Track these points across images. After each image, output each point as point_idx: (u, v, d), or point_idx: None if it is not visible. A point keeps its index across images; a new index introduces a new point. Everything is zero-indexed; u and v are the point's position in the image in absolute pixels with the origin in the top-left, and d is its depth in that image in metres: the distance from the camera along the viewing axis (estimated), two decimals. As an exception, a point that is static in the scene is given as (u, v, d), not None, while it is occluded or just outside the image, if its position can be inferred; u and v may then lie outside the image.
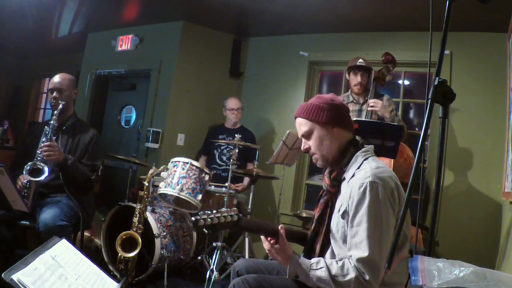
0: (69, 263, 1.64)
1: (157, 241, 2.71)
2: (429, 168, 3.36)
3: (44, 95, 6.37)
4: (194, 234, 3.08)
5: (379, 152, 2.23)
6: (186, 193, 2.79)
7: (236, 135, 3.10)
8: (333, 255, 1.50)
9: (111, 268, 2.82)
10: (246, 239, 3.09)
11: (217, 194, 3.17)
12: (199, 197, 2.83)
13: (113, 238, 2.64)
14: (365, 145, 1.55)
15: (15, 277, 1.35)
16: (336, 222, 1.48)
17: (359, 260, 1.31)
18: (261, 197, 3.94)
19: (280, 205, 3.43)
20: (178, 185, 2.79)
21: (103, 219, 3.07)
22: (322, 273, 1.36)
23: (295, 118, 1.60)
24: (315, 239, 1.57)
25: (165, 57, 4.15)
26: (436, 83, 1.08)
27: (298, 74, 4.03)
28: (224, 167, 3.72)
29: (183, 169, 2.85)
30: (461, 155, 3.23)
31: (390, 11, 3.20)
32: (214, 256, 2.90)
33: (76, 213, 2.47)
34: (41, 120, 6.27)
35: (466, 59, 3.27)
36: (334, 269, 1.35)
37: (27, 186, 2.34)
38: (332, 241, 1.52)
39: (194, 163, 2.89)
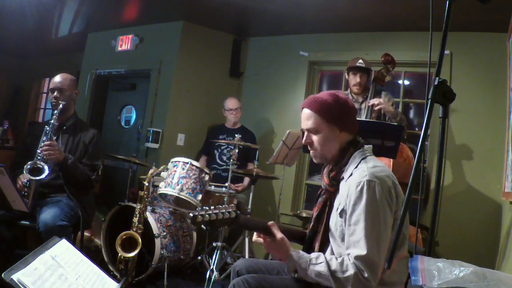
0: (69, 263, 1.64)
1: (157, 241, 2.71)
2: (429, 168, 3.36)
3: (44, 95, 6.37)
4: (194, 234, 3.08)
5: (379, 152, 2.23)
6: (186, 193, 2.79)
7: (236, 135, 3.10)
8: (332, 253, 1.50)
9: (111, 268, 2.82)
10: (246, 239, 3.09)
11: (217, 194, 3.17)
12: (199, 197, 2.83)
13: (113, 238, 2.64)
14: (365, 145, 1.55)
15: (15, 277, 1.36)
16: (334, 221, 1.49)
17: (357, 258, 1.32)
18: (261, 197, 3.94)
19: (280, 205, 3.43)
20: (178, 185, 2.79)
21: (103, 219, 3.07)
22: (321, 268, 1.37)
23: (303, 108, 1.56)
24: (314, 237, 1.58)
25: (165, 57, 4.15)
26: (436, 83, 1.08)
27: (298, 74, 4.03)
28: (224, 167, 3.72)
29: (183, 169, 2.85)
30: (461, 155, 3.23)
31: (390, 11, 3.20)
32: (214, 256, 2.90)
33: (76, 213, 2.47)
34: (41, 120, 6.27)
35: (466, 59, 3.27)
36: (334, 265, 1.36)
37: (27, 185, 2.34)
38: (331, 239, 1.52)
39: (194, 163, 2.89)
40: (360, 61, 3.02)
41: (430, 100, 1.07)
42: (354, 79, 3.05)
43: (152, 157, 3.99)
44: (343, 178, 1.50)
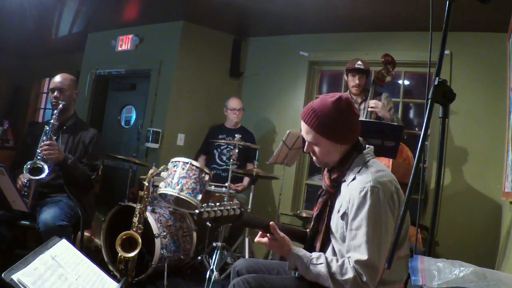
0: (69, 263, 1.64)
1: (157, 241, 2.71)
2: (429, 168, 3.36)
3: (44, 95, 6.37)
4: (194, 234, 3.08)
5: (379, 152, 2.23)
6: (186, 193, 2.79)
7: (236, 135, 3.10)
8: (334, 253, 1.51)
9: (111, 268, 2.82)
10: (246, 239, 3.09)
11: (217, 194, 3.17)
12: (199, 197, 2.83)
13: (113, 238, 2.64)
14: (366, 147, 1.55)
15: (15, 277, 1.36)
16: (335, 222, 1.49)
17: (358, 262, 1.33)
18: (261, 197, 3.94)
19: (280, 205, 3.43)
20: (178, 185, 2.79)
21: (103, 219, 3.07)
22: (321, 268, 1.37)
23: (301, 118, 1.53)
24: (315, 237, 1.58)
25: (165, 57, 4.15)
26: (436, 83, 1.08)
27: (298, 74, 4.03)
28: (224, 167, 3.72)
29: (183, 169, 2.85)
30: (461, 155, 3.23)
31: (390, 11, 3.20)
32: (214, 256, 2.90)
33: (76, 213, 2.47)
34: (41, 120, 6.28)
35: (466, 59, 3.27)
36: (334, 267, 1.36)
37: (27, 185, 2.34)
38: (332, 239, 1.53)
39: (194, 163, 2.89)
40: (359, 62, 3.02)
41: (430, 100, 1.07)
42: (353, 81, 3.05)
43: (152, 157, 3.99)
44: (344, 180, 1.50)
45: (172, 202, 3.02)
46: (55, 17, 4.37)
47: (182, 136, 4.12)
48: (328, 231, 1.54)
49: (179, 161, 2.90)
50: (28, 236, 2.94)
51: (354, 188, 1.41)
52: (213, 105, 4.19)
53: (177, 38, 4.08)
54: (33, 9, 3.99)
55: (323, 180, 1.60)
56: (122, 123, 4.73)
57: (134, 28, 4.41)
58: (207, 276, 2.73)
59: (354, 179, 1.45)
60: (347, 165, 1.50)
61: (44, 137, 2.43)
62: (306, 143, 1.57)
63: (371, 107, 2.84)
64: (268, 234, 1.51)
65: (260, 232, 1.54)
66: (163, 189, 2.83)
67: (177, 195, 2.79)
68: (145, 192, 2.64)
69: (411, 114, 3.92)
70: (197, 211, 1.38)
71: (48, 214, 2.27)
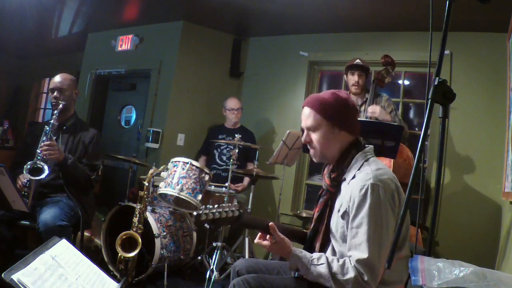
0: (69, 263, 1.64)
1: (157, 241, 2.71)
2: (429, 168, 3.36)
3: (44, 95, 6.37)
4: (194, 234, 3.08)
5: (379, 152, 2.23)
6: (186, 193, 2.79)
7: (236, 135, 3.10)
8: (333, 253, 1.51)
9: (111, 268, 2.82)
10: (246, 239, 3.09)
11: (217, 194, 3.17)
12: (199, 197, 2.83)
13: (113, 238, 2.64)
14: (366, 146, 1.55)
15: (15, 277, 1.35)
16: (335, 222, 1.49)
17: (359, 261, 1.33)
18: (261, 197, 3.95)
19: (280, 205, 3.43)
20: (178, 185, 2.79)
21: (103, 219, 3.07)
22: (322, 269, 1.37)
23: (303, 107, 1.57)
24: (315, 237, 1.58)
25: (165, 57, 4.15)
26: (436, 83, 1.08)
27: (298, 74, 4.03)
28: (224, 167, 3.72)
29: (183, 169, 2.85)
30: (461, 155, 3.23)
31: (390, 11, 3.20)
32: (214, 256, 2.90)
33: (76, 213, 2.47)
34: (41, 120, 6.27)
35: (466, 59, 3.27)
36: (335, 267, 1.36)
37: (27, 185, 2.34)
38: (332, 239, 1.52)
39: (194, 163, 2.89)
40: (358, 60, 3.03)
41: (430, 100, 1.06)
42: (352, 79, 3.05)
43: (152, 157, 3.99)
44: (344, 179, 1.50)
45: (172, 202, 3.02)
46: (55, 17, 4.37)
47: (182, 136, 4.12)
48: (328, 231, 1.53)
49: (179, 161, 2.90)
50: (28, 236, 2.94)
51: (354, 186, 1.41)
52: (213, 105, 4.19)
53: (177, 38, 4.08)
54: (33, 9, 3.99)
55: (323, 180, 1.60)
56: (122, 123, 4.73)
57: (134, 28, 4.41)
58: (207, 276, 2.73)
59: (354, 177, 1.45)
60: (346, 163, 1.50)
61: (44, 137, 2.43)
62: (305, 132, 1.57)
63: (370, 113, 2.84)
64: (268, 236, 1.51)
65: (259, 234, 1.54)
66: (163, 189, 2.83)
67: (177, 195, 2.79)
68: (145, 192, 2.64)
69: (411, 114, 3.92)
70: (195, 213, 1.37)
71: (48, 214, 2.27)
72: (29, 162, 2.33)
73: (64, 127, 2.64)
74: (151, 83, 4.22)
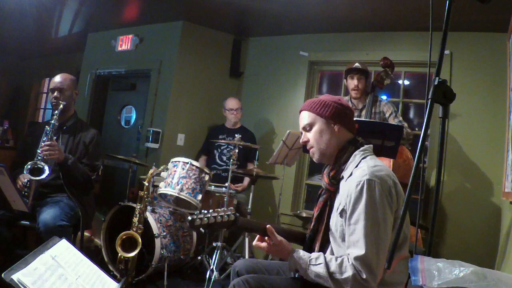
0: (69, 263, 1.64)
1: (157, 241, 2.71)
2: (429, 168, 3.36)
3: (44, 95, 6.36)
4: (194, 234, 3.08)
5: (379, 152, 2.23)
6: (186, 193, 2.79)
7: (236, 135, 3.10)
8: (333, 253, 1.50)
9: (111, 268, 2.82)
10: (246, 239, 3.09)
11: (217, 194, 3.17)
12: (199, 197, 2.83)
13: (113, 238, 2.64)
14: (364, 144, 1.55)
15: (15, 277, 1.35)
16: (335, 221, 1.49)
17: (356, 258, 1.32)
18: (261, 197, 3.94)
19: (280, 205, 3.43)
20: (178, 185, 2.79)
21: (103, 219, 3.07)
22: (320, 269, 1.37)
23: (300, 112, 1.63)
24: (314, 238, 1.58)
25: (165, 57, 4.15)
26: (436, 83, 1.08)
27: (298, 74, 4.03)
28: (224, 167, 3.72)
29: (183, 169, 2.85)
30: (461, 155, 3.23)
31: (390, 11, 3.20)
32: (214, 256, 2.90)
33: (76, 213, 2.47)
34: (41, 120, 6.27)
35: (466, 59, 3.27)
36: (333, 266, 1.35)
37: (27, 185, 2.34)
38: (331, 240, 1.52)
39: (194, 163, 2.89)
40: (357, 64, 3.03)
41: (430, 100, 1.06)
42: (352, 83, 3.06)
43: (152, 157, 3.99)
44: (343, 177, 1.49)
45: (172, 202, 3.02)
46: (55, 17, 4.37)
47: (182, 136, 4.12)
48: (328, 231, 1.53)
49: (179, 161, 2.90)
50: (28, 236, 2.94)
51: (351, 183, 1.40)
52: (213, 105, 4.19)
53: (177, 38, 4.08)
54: (33, 9, 3.99)
55: (322, 179, 1.60)
56: (122, 123, 4.73)
57: (134, 28, 4.41)
58: (207, 276, 2.73)
59: (351, 174, 1.45)
60: (344, 159, 1.50)
61: (45, 138, 2.42)
62: (303, 133, 1.61)
63: None
64: (266, 238, 1.50)
65: (258, 236, 1.53)
66: (163, 189, 2.83)
67: (177, 195, 2.79)
68: (145, 192, 2.64)
69: (411, 114, 3.92)
70: (189, 218, 1.36)
71: (48, 214, 2.28)
72: (29, 162, 2.33)
73: (64, 127, 2.64)
74: (151, 83, 4.22)
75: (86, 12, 4.22)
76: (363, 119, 2.78)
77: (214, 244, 2.98)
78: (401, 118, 3.03)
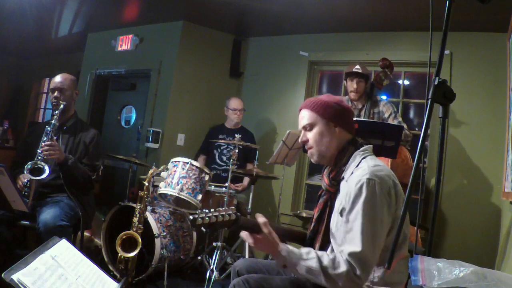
0: (69, 263, 1.64)
1: (157, 241, 2.71)
2: (429, 168, 3.36)
3: (44, 95, 6.37)
4: (194, 234, 3.08)
5: (379, 152, 2.23)
6: (186, 193, 2.79)
7: (236, 135, 3.10)
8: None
9: (111, 268, 2.82)
10: (246, 239, 3.09)
11: (217, 194, 3.17)
12: (199, 197, 2.83)
13: (113, 238, 2.64)
14: (364, 144, 1.55)
15: (15, 277, 1.35)
16: (335, 221, 1.48)
17: (351, 254, 1.30)
18: (261, 197, 3.95)
19: (280, 205, 3.43)
20: (178, 185, 2.79)
21: (103, 219, 3.07)
22: (312, 263, 1.34)
23: (300, 110, 1.61)
24: (315, 238, 1.57)
25: (165, 57, 4.15)
26: (436, 83, 1.08)
27: (298, 74, 4.03)
28: (224, 167, 3.72)
29: (183, 169, 2.85)
30: (461, 155, 3.23)
31: (390, 11, 3.21)
32: (214, 256, 2.90)
33: (76, 213, 2.47)
34: (41, 120, 6.27)
35: (466, 59, 3.28)
36: (325, 261, 1.33)
37: (28, 185, 2.34)
38: (331, 240, 1.51)
39: (194, 163, 2.89)
40: (357, 66, 3.03)
41: (430, 100, 1.06)
42: (351, 85, 3.07)
43: (152, 157, 3.99)
44: (343, 178, 1.49)
45: (172, 202, 3.02)
46: (55, 17, 4.37)
47: (182, 136, 4.12)
48: (328, 232, 1.52)
49: (179, 161, 2.90)
50: (28, 236, 2.95)
51: (351, 182, 1.40)
52: (213, 105, 4.19)
53: (177, 38, 4.08)
54: (33, 9, 3.99)
55: (322, 180, 1.59)
56: (122, 123, 4.73)
57: (134, 28, 4.41)
58: (207, 276, 2.73)
59: (351, 174, 1.45)
60: (344, 160, 1.50)
61: (45, 138, 2.42)
62: (302, 133, 1.59)
63: None
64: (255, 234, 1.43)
65: (246, 232, 1.46)
66: (163, 189, 2.83)
67: (177, 195, 2.79)
68: (145, 192, 2.64)
69: (411, 114, 3.92)
70: (191, 217, 1.35)
71: (48, 214, 2.27)
72: (29, 162, 2.32)
73: (65, 127, 2.64)
74: (151, 83, 4.22)
75: (86, 12, 4.22)
76: (363, 119, 2.78)
77: (214, 244, 2.98)
78: (400, 119, 3.03)
